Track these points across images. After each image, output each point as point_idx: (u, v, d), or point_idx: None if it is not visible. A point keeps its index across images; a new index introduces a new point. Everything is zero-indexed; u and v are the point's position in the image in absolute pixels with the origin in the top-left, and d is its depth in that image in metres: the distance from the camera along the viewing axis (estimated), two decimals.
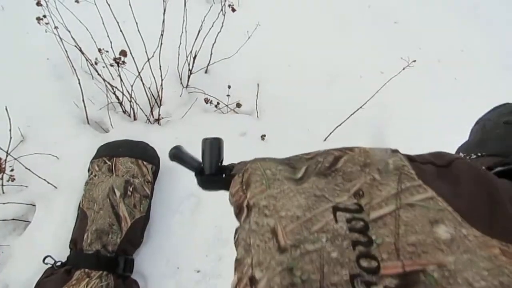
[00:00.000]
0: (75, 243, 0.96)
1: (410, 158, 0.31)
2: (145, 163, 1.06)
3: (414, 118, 1.49)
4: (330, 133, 1.36)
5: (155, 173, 1.10)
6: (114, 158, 1.04)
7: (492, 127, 0.49)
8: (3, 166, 1.04)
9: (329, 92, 1.52)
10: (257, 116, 1.44)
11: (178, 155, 0.49)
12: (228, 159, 1.21)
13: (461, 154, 0.45)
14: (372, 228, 0.27)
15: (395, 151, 0.32)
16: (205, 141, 0.44)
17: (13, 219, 1.12)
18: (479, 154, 0.43)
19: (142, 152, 1.09)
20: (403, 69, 1.31)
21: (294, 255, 0.27)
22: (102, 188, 0.99)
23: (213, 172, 0.43)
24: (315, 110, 1.45)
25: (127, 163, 1.03)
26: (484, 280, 0.24)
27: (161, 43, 1.22)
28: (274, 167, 0.35)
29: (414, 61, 1.30)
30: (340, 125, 1.33)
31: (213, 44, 1.40)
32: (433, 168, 0.31)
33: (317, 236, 0.27)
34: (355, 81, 1.57)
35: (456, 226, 0.26)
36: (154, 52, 1.20)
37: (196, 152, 1.13)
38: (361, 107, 1.30)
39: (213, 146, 0.44)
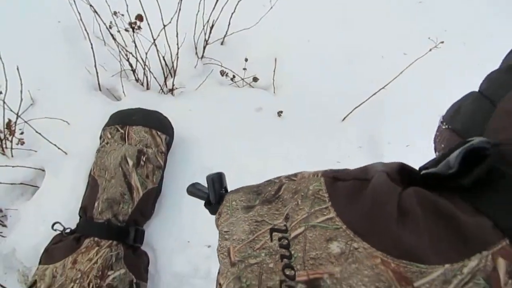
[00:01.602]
0: (85, 211, 0.93)
1: (335, 177, 0.37)
2: (159, 133, 1.02)
3: (437, 101, 1.43)
4: (348, 114, 1.32)
5: (168, 144, 1.07)
6: (127, 127, 1.01)
7: (467, 95, 0.45)
8: (13, 128, 1.01)
9: (349, 71, 1.46)
10: (274, 92, 1.39)
11: (192, 191, 0.61)
12: (244, 135, 1.18)
13: (441, 117, 0.45)
14: (292, 245, 0.35)
15: (322, 175, 0.38)
16: (208, 177, 0.54)
17: (22, 183, 1.10)
18: (448, 126, 0.43)
19: (156, 122, 1.05)
20: (430, 50, 1.24)
21: (241, 267, 0.37)
22: (114, 156, 0.96)
23: (216, 201, 0.52)
24: (333, 89, 1.40)
25: (141, 132, 1.00)
26: (364, 285, 0.30)
27: (179, 9, 1.16)
28: (239, 198, 0.45)
29: (442, 42, 1.24)
30: (359, 106, 1.28)
31: (232, 14, 1.34)
32: (356, 183, 0.36)
33: (258, 252, 0.37)
34: (376, 61, 1.50)
35: (348, 241, 0.32)
36: (171, 19, 1.14)
37: (209, 123, 1.10)
38: (383, 87, 1.24)
39: (215, 181, 0.53)
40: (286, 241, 0.36)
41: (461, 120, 0.42)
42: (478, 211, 0.30)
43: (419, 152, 1.27)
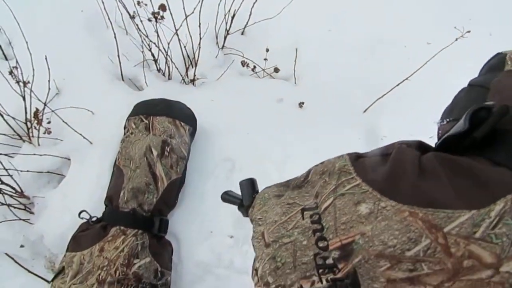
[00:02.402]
0: (110, 200, 0.95)
1: (359, 155, 0.42)
2: (182, 123, 1.03)
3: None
4: (371, 105, 1.30)
5: (192, 135, 1.07)
6: (151, 117, 1.01)
7: (458, 92, 0.52)
8: (40, 117, 1.03)
9: (371, 61, 1.43)
10: (295, 83, 1.38)
11: (226, 198, 0.65)
12: (265, 126, 1.17)
13: (439, 120, 0.50)
14: (322, 218, 0.37)
15: (343, 155, 0.42)
16: (241, 183, 0.58)
17: (48, 172, 1.12)
18: (448, 120, 0.47)
19: (180, 112, 1.06)
20: (456, 39, 1.21)
21: (275, 247, 0.39)
22: (139, 146, 0.97)
23: (249, 204, 0.56)
24: (355, 79, 1.38)
25: (165, 122, 1.00)
26: (396, 238, 0.32)
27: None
28: (271, 191, 0.48)
29: (469, 31, 1.21)
30: (382, 97, 1.26)
31: (254, 4, 1.33)
32: (377, 157, 0.40)
33: (291, 231, 0.39)
34: (399, 51, 1.47)
35: (375, 201, 0.34)
36: (194, 9, 1.14)
37: (230, 114, 1.09)
38: (407, 78, 1.22)
39: (248, 185, 0.58)
40: (317, 216, 0.38)
41: (459, 110, 0.46)
42: (495, 164, 0.33)
43: None
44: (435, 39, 1.50)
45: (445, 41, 1.24)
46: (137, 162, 0.95)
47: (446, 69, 1.37)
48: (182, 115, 1.05)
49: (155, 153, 0.95)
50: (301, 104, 1.29)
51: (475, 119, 0.36)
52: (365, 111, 1.31)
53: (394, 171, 0.36)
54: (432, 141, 1.24)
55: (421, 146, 0.41)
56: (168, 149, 0.97)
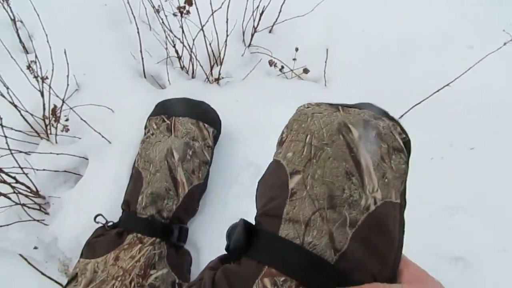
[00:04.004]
0: (128, 204, 0.89)
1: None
2: (206, 125, 0.96)
3: (504, 102, 1.29)
4: (406, 112, 1.20)
5: (215, 138, 1.00)
6: (174, 117, 0.95)
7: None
8: (58, 114, 0.98)
9: (407, 65, 1.33)
10: (325, 85, 1.30)
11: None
12: None
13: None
14: None
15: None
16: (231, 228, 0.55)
17: (65, 171, 1.07)
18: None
19: (204, 114, 0.99)
20: (505, 44, 1.11)
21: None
22: (160, 148, 0.90)
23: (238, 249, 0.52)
24: (389, 84, 1.28)
25: (187, 124, 0.94)
26: None
27: None
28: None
29: None
30: (419, 103, 1.16)
31: (284, 0, 1.26)
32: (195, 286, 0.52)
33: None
34: (437, 55, 1.37)
35: None
36: (222, 3, 1.07)
37: (256, 116, 1.02)
38: (447, 85, 1.12)
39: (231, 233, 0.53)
40: None
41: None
42: (252, 259, 0.44)
43: (484, 156, 1.15)
44: (477, 43, 1.40)
45: (489, 45, 1.14)
46: (157, 166, 0.88)
47: (491, 76, 1.27)
48: (206, 117, 0.98)
49: (176, 156, 0.89)
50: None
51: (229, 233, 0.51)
52: (399, 118, 1.22)
53: None
54: (473, 153, 1.13)
55: (224, 259, 0.51)
56: (190, 153, 0.90)
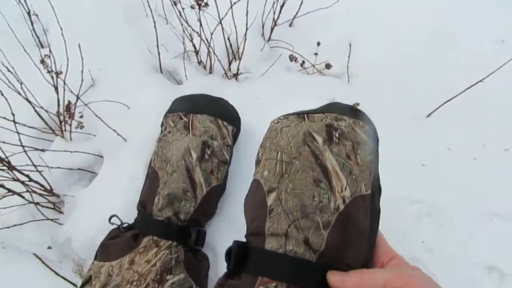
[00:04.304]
0: (143, 205, 0.85)
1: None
2: (225, 123, 0.91)
3: None
4: (436, 109, 1.13)
5: (235, 136, 0.95)
6: (191, 115, 0.90)
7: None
8: (72, 111, 0.95)
9: (437, 59, 1.26)
10: (348, 81, 1.24)
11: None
12: None
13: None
14: None
15: None
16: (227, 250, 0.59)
17: (79, 169, 1.04)
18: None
19: (223, 111, 0.94)
20: None
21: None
22: (177, 147, 0.86)
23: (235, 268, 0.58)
24: (418, 79, 1.21)
25: (206, 121, 0.89)
26: None
27: None
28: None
29: None
30: (450, 100, 1.09)
31: None
32: None
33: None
34: (469, 49, 1.29)
35: None
36: None
37: (277, 114, 0.97)
38: (481, 80, 1.04)
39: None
40: None
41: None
42: (247, 274, 0.52)
43: None
44: (509, 37, 1.31)
45: None
46: (174, 165, 0.84)
47: None
48: (225, 114, 0.93)
49: (194, 156, 0.84)
50: (355, 105, 1.14)
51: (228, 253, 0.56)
52: (428, 115, 1.15)
53: None
54: (508, 154, 1.06)
55: (229, 276, 0.56)
56: (208, 152, 0.85)
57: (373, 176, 0.57)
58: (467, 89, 1.07)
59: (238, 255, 0.54)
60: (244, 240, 0.59)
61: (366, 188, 0.55)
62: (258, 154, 0.68)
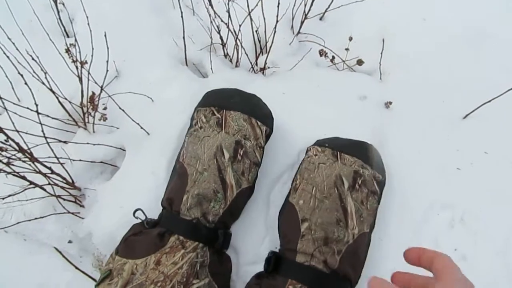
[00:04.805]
0: (170, 203, 0.82)
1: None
2: (259, 123, 0.86)
3: None
4: (473, 111, 1.07)
5: (268, 137, 0.91)
6: (224, 111, 0.86)
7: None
8: (96, 103, 0.92)
9: (474, 57, 1.20)
10: (380, 78, 1.18)
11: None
12: (344, 127, 0.99)
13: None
14: None
15: None
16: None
17: (101, 162, 1.02)
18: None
19: (257, 109, 0.89)
20: None
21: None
22: (209, 145, 0.82)
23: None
24: (454, 78, 1.15)
25: (239, 119, 0.85)
26: None
27: None
28: None
29: None
30: (490, 101, 1.03)
31: None
32: None
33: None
34: (508, 46, 1.22)
35: None
36: None
37: (305, 110, 0.93)
38: None
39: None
40: None
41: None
42: (281, 276, 0.74)
43: None
44: None
45: None
46: (205, 164, 0.80)
47: None
48: (259, 113, 0.89)
49: (226, 155, 0.80)
50: (388, 104, 1.09)
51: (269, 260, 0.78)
52: (465, 117, 1.09)
53: None
54: None
55: (259, 277, 0.79)
56: (241, 152, 0.81)
57: (373, 217, 0.83)
58: (508, 90, 1.01)
59: (275, 262, 0.77)
60: (272, 249, 0.84)
61: (367, 227, 0.80)
62: (296, 180, 0.86)
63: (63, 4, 1.14)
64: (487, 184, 1.00)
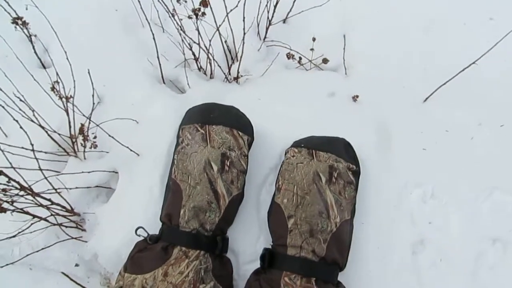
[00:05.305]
0: (169, 218, 0.89)
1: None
2: (240, 133, 0.95)
3: None
4: (431, 94, 1.18)
5: (250, 145, 0.99)
6: (207, 126, 0.93)
7: None
8: (86, 133, 0.97)
9: (427, 43, 1.29)
10: (345, 73, 1.27)
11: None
12: (318, 124, 1.08)
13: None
14: None
15: None
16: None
17: (97, 186, 1.07)
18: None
19: (236, 120, 0.97)
20: None
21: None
22: (197, 160, 0.89)
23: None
24: (412, 65, 1.26)
25: (222, 133, 0.92)
26: None
27: None
28: None
29: None
30: (445, 83, 1.14)
31: None
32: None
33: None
34: (458, 29, 1.32)
35: None
36: (238, 2, 1.04)
37: (280, 114, 1.03)
38: (474, 62, 1.08)
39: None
40: None
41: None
42: (279, 269, 0.84)
43: None
44: (498, 13, 1.35)
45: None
46: (197, 178, 0.88)
47: None
48: (239, 124, 0.97)
49: (215, 168, 0.88)
50: (355, 98, 1.18)
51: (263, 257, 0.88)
52: (425, 100, 1.20)
53: None
54: (503, 130, 1.10)
55: (258, 273, 0.89)
56: (228, 163, 0.89)
57: (352, 205, 0.94)
58: (460, 71, 1.11)
59: (269, 258, 0.87)
60: (266, 246, 0.94)
61: (348, 215, 0.91)
62: (278, 181, 0.95)
63: (35, 35, 1.17)
64: (451, 159, 1.11)
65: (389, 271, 0.96)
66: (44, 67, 1.20)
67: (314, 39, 1.22)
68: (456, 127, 1.16)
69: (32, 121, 0.91)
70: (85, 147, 1.01)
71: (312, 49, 1.24)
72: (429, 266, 0.99)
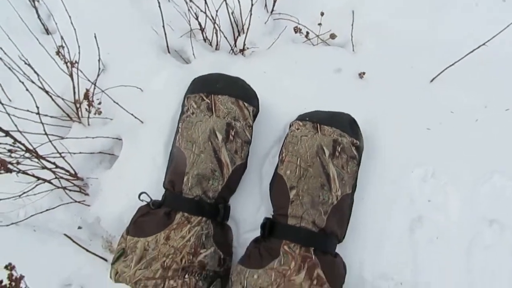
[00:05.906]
0: (172, 185, 0.90)
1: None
2: (246, 104, 0.95)
3: None
4: (439, 74, 1.17)
5: (255, 116, 0.99)
6: (213, 96, 0.94)
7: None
8: (91, 99, 0.97)
9: (438, 23, 1.28)
10: (353, 50, 1.26)
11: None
12: (324, 100, 1.07)
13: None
14: None
15: None
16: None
17: (100, 152, 1.08)
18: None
19: (242, 91, 0.97)
20: None
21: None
22: (202, 129, 0.90)
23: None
24: (421, 44, 1.24)
25: (228, 103, 0.93)
26: None
27: None
28: None
29: None
30: (453, 64, 1.13)
31: None
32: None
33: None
34: (469, 10, 1.31)
35: None
36: None
37: (286, 88, 1.01)
38: (484, 44, 1.07)
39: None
40: None
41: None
42: (276, 238, 0.87)
43: None
44: None
45: None
46: (201, 146, 0.88)
47: None
48: (245, 95, 0.97)
49: (219, 137, 0.89)
50: (361, 75, 1.18)
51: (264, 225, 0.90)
52: (432, 80, 1.19)
53: None
54: (509, 114, 1.10)
55: (258, 242, 0.90)
56: (232, 133, 0.90)
57: (354, 179, 0.95)
58: (469, 53, 1.10)
59: (270, 227, 0.88)
60: (267, 216, 0.94)
61: (349, 189, 0.93)
62: (282, 153, 0.95)
63: (39, 1, 1.16)
64: (454, 140, 1.11)
65: (387, 246, 0.98)
66: (48, 33, 1.19)
67: (322, 14, 1.20)
68: (461, 109, 1.15)
69: (38, 86, 0.91)
70: (89, 112, 1.01)
71: (320, 24, 1.22)
72: (426, 243, 1.00)
